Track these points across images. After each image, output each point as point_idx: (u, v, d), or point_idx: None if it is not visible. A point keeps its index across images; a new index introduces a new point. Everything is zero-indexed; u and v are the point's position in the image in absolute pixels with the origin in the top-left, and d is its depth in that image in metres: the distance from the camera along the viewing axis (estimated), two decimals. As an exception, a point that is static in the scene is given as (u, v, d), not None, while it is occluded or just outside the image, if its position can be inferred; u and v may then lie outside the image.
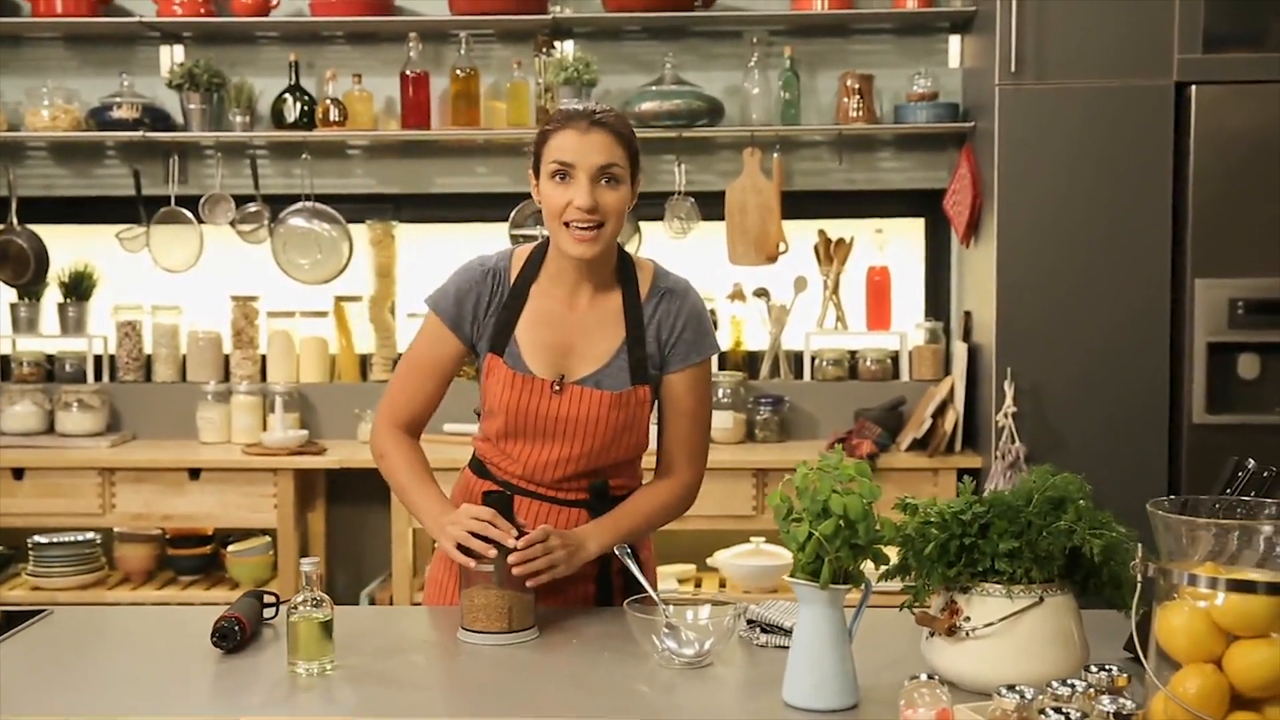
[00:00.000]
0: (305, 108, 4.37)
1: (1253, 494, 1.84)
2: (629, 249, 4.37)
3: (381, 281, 4.53)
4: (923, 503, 1.88)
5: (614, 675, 1.98)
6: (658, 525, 2.36)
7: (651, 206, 4.43)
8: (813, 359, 4.49)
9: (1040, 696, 1.56)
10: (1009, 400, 3.79)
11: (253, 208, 4.48)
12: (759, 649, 2.08)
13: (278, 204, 4.49)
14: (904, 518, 1.88)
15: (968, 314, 4.23)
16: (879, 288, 4.49)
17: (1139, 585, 1.62)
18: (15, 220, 4.47)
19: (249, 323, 4.53)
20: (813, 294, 4.50)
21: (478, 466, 2.38)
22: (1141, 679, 1.63)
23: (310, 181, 4.47)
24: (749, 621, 2.13)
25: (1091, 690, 1.59)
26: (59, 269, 4.57)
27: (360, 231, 4.52)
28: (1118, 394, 3.80)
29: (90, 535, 4.24)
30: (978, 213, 4.05)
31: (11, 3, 4.45)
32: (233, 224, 4.48)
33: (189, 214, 4.46)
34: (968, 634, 1.81)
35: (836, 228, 4.48)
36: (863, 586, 1.82)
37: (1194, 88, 3.71)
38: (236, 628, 2.06)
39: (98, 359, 4.56)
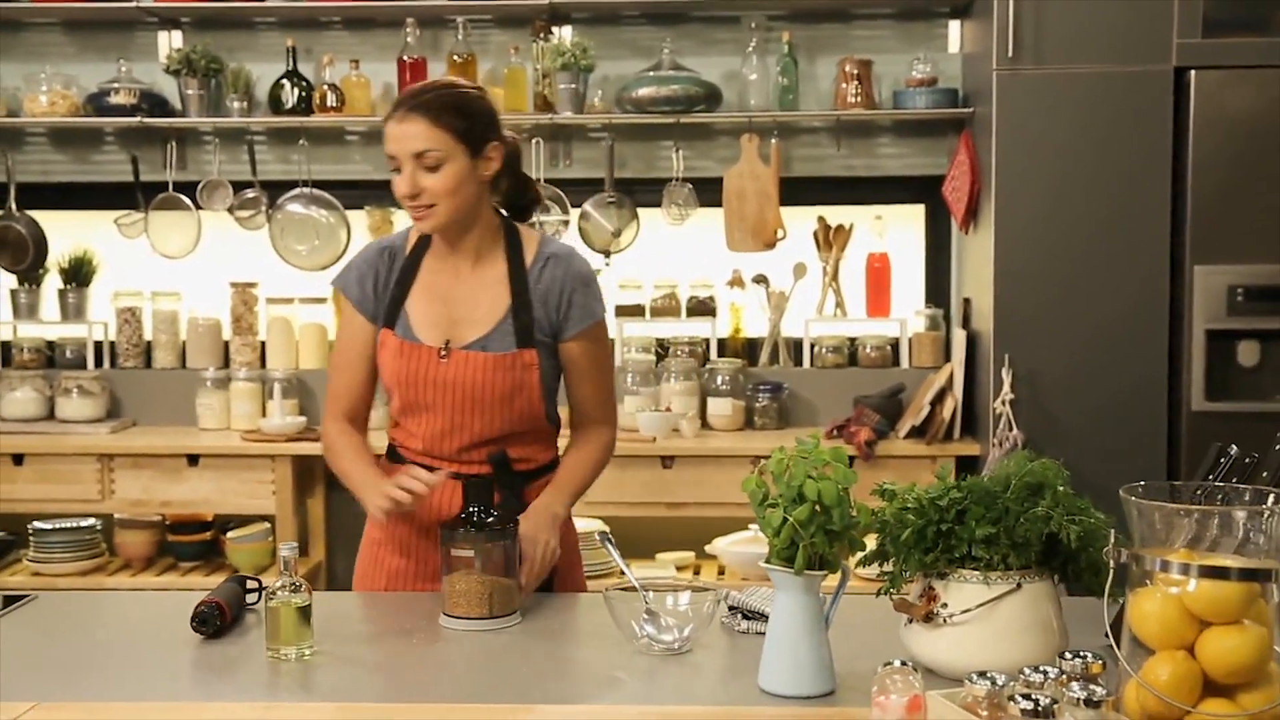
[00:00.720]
0: (303, 93, 4.37)
1: (1234, 480, 1.83)
2: (626, 236, 4.41)
3: (380, 268, 4.52)
4: (900, 488, 1.87)
5: (594, 661, 1.99)
6: (591, 481, 2.47)
7: (650, 193, 4.42)
8: (812, 346, 4.47)
9: (1012, 683, 1.55)
10: (1007, 387, 3.78)
11: (251, 194, 4.48)
12: (740, 635, 2.08)
13: (275, 190, 4.48)
14: (884, 504, 1.87)
15: (967, 300, 4.21)
16: (878, 274, 4.47)
17: (1112, 571, 1.60)
18: (14, 206, 4.48)
19: (248, 309, 4.53)
20: (812, 280, 4.48)
21: (390, 451, 2.46)
22: (1117, 666, 1.62)
23: (308, 167, 4.46)
24: (730, 608, 2.12)
25: (1064, 677, 1.57)
26: (58, 255, 4.57)
27: (358, 217, 4.51)
28: (1116, 381, 3.78)
29: (90, 521, 4.25)
30: (976, 199, 4.03)
31: (10, -12, 4.45)
32: (231, 210, 4.48)
33: (187, 200, 4.46)
34: (945, 620, 1.80)
35: (836, 214, 4.46)
36: (840, 573, 1.81)
37: (1193, 73, 3.68)
38: (216, 613, 2.06)
39: (98, 345, 4.57)
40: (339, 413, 2.43)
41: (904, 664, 1.61)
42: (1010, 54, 3.74)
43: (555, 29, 4.35)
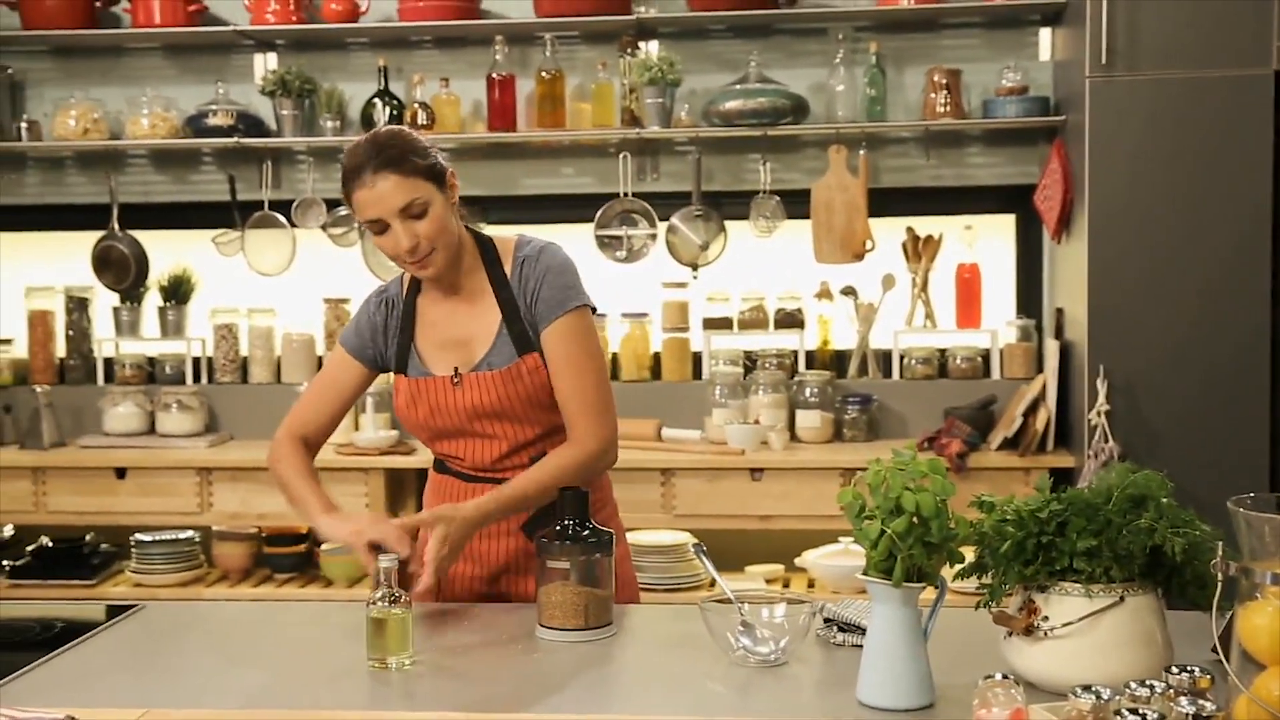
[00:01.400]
0: (394, 112, 4.43)
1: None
2: (714, 249, 4.42)
3: (470, 283, 4.57)
4: (1000, 500, 1.85)
5: (689, 673, 1.98)
6: (552, 487, 2.27)
7: (737, 205, 4.43)
8: (901, 358, 4.44)
9: (1118, 697, 1.53)
10: (1101, 398, 3.72)
11: (343, 211, 4.55)
12: (836, 648, 2.07)
13: (368, 208, 4.54)
14: (981, 516, 1.86)
15: (1059, 311, 4.16)
16: (968, 285, 4.43)
17: (1220, 584, 1.58)
18: (117, 226, 4.60)
19: (341, 324, 4.61)
20: (901, 292, 4.45)
21: (438, 464, 2.50)
22: (1225, 681, 1.59)
23: (400, 185, 4.52)
24: (826, 620, 2.11)
25: (1171, 691, 1.55)
26: (158, 273, 4.69)
27: (449, 234, 4.56)
28: (1216, 390, 3.70)
29: (189, 534, 4.35)
30: (1069, 208, 3.98)
31: (112, 15, 4.57)
32: (324, 227, 4.56)
33: (282, 218, 4.55)
34: (1046, 634, 1.78)
35: (925, 225, 4.43)
36: (938, 585, 1.80)
37: (1294, 76, 3.61)
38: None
39: (196, 361, 4.67)
40: (296, 430, 2.47)
41: (1005, 677, 1.59)
42: (1104, 60, 3.69)
43: (642, 44, 4.37)
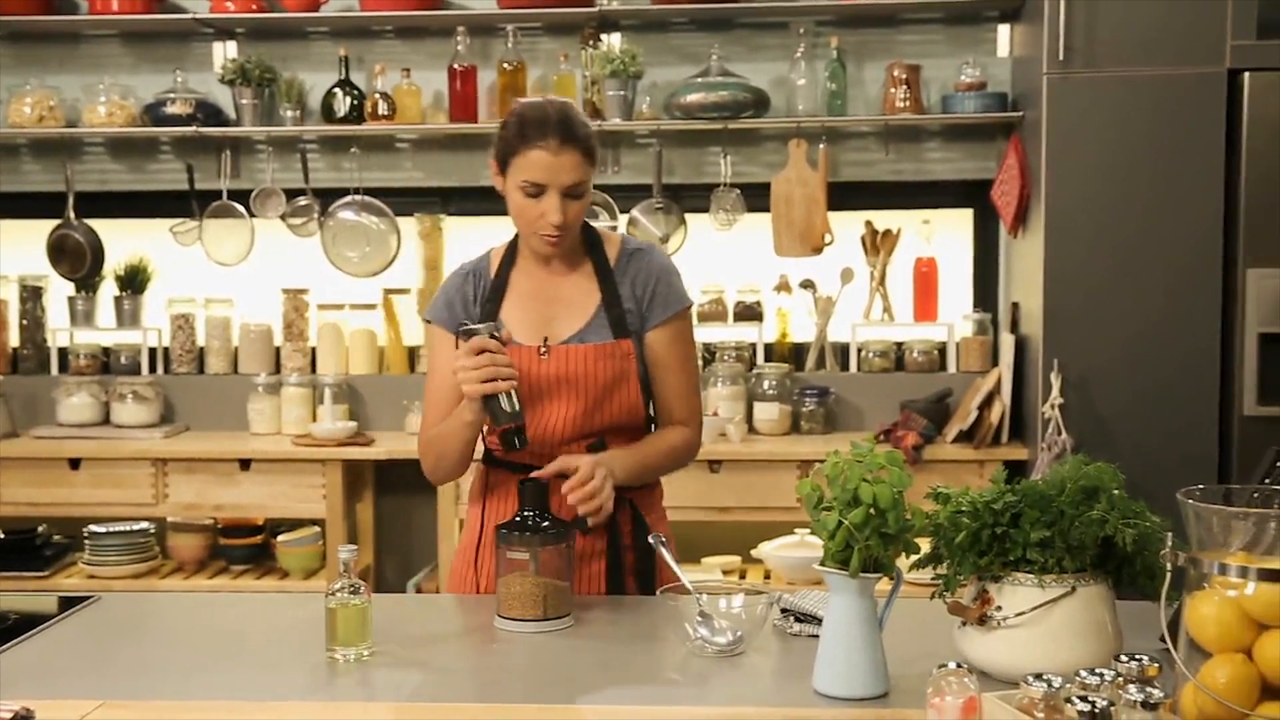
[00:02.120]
0: (355, 102, 4.42)
1: (1291, 484, 1.82)
2: (674, 242, 4.43)
3: (429, 274, 4.56)
4: (954, 492, 1.87)
5: (647, 663, 2.00)
6: (669, 467, 2.42)
7: (697, 198, 4.44)
8: (859, 350, 4.47)
9: (1068, 685, 1.55)
10: (1055, 392, 3.76)
11: (303, 201, 4.53)
12: (793, 638, 2.08)
13: (327, 198, 4.54)
14: (937, 507, 1.88)
15: (1015, 305, 4.20)
16: (926, 279, 4.46)
17: (1169, 575, 1.60)
18: (73, 215, 4.56)
19: (299, 315, 4.59)
20: (859, 285, 4.48)
21: (487, 455, 2.46)
22: (1173, 669, 1.62)
23: (359, 175, 4.51)
24: (783, 610, 2.13)
25: (1120, 679, 1.57)
26: (115, 263, 4.65)
27: (409, 224, 4.56)
28: (1167, 385, 3.75)
29: (144, 525, 4.32)
30: (1026, 203, 4.02)
31: (70, 1, 4.53)
32: (283, 217, 4.54)
33: (240, 208, 4.53)
34: (999, 623, 1.80)
35: (883, 219, 4.46)
36: (894, 575, 1.82)
37: (1247, 75, 3.65)
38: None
39: (152, 351, 4.64)
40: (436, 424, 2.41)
41: (959, 666, 1.61)
42: (1061, 57, 3.73)
43: (604, 36, 4.38)
